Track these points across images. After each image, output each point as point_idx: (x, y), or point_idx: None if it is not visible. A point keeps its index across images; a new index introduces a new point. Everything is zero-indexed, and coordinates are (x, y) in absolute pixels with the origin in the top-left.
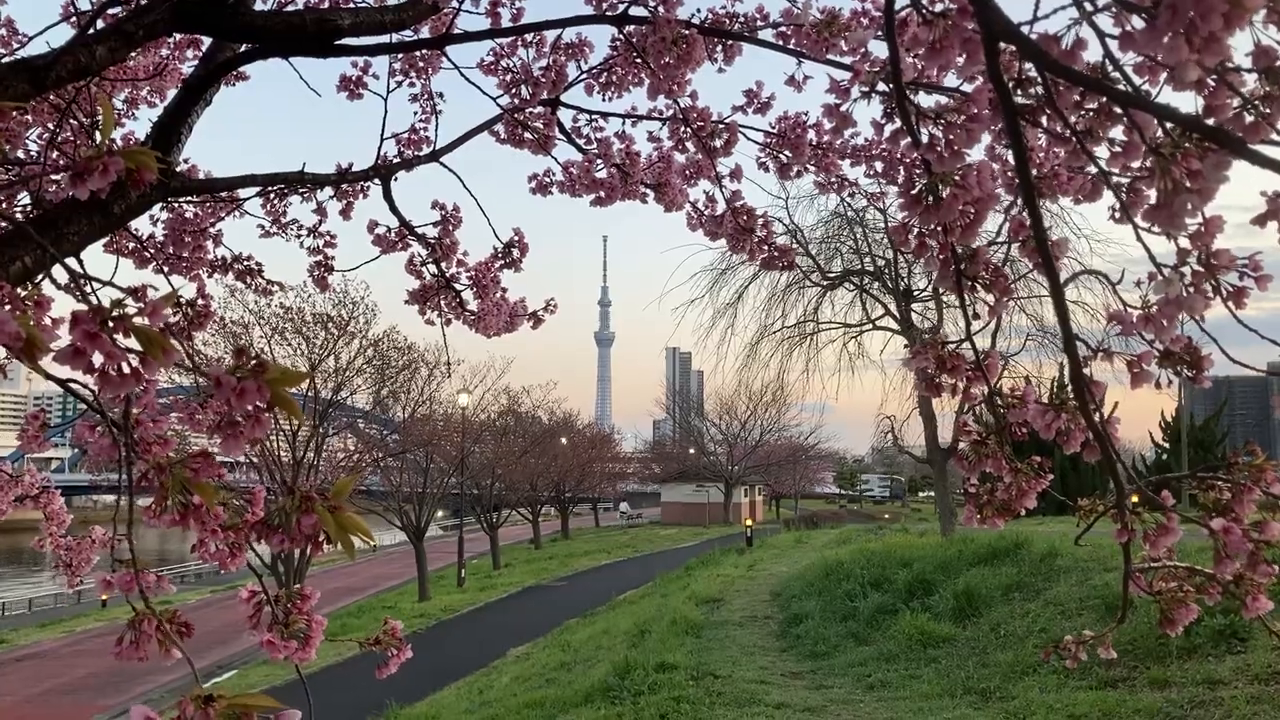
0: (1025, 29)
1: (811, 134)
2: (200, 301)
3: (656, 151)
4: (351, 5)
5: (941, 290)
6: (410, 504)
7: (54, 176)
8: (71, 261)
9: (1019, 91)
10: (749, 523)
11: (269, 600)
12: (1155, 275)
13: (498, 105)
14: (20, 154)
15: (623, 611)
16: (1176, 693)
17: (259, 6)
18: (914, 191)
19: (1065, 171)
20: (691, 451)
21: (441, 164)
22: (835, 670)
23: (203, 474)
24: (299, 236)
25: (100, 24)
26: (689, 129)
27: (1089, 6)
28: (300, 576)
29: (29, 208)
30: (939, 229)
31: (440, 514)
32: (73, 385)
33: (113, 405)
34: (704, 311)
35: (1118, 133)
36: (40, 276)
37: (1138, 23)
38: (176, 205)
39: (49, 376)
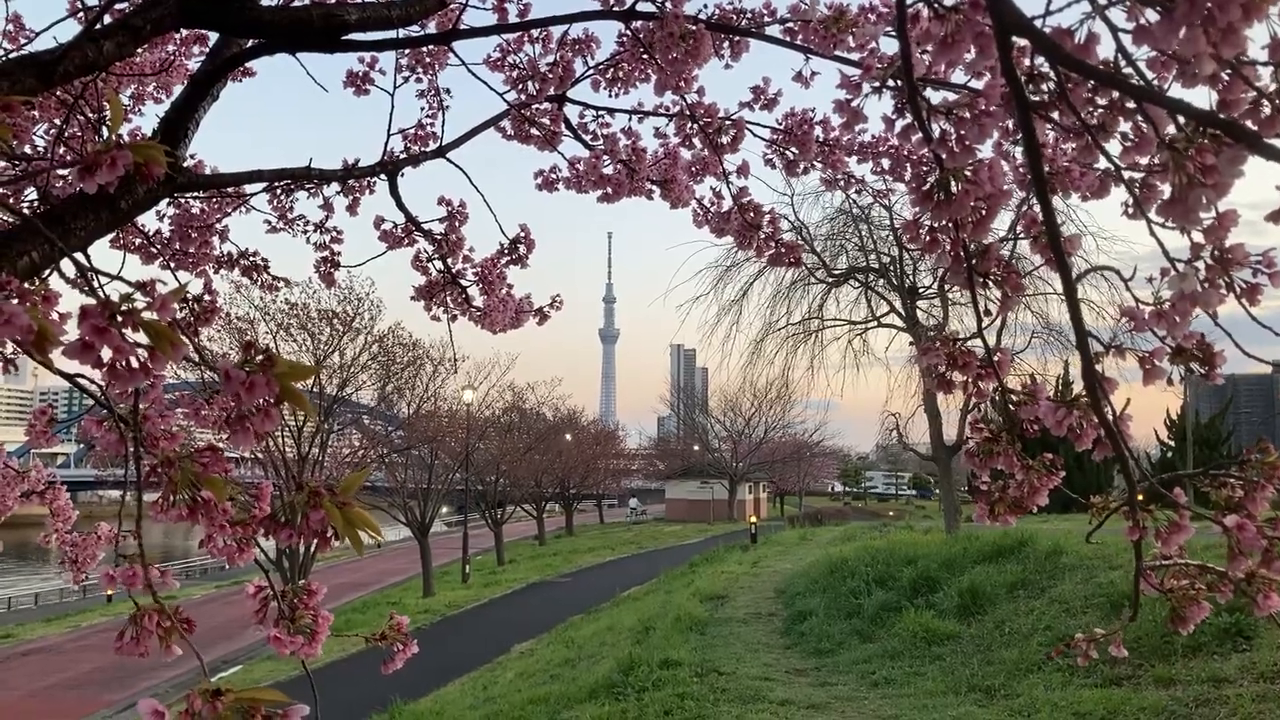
0: (1038, 23)
1: (818, 130)
2: (207, 297)
3: (663, 148)
4: (358, 0)
5: (947, 287)
6: (415, 500)
7: (61, 171)
8: (79, 256)
9: (1031, 87)
10: (753, 519)
11: (275, 595)
12: (1168, 271)
13: (504, 101)
14: (27, 149)
15: (627, 608)
16: (1182, 691)
17: (266, 1)
18: (925, 187)
19: (1077, 167)
20: (696, 448)
21: (448, 160)
22: (839, 667)
23: (211, 468)
24: (305, 232)
25: (107, 19)
26: (696, 125)
27: (1102, 0)
28: (305, 572)
29: (36, 203)
30: (950, 225)
31: (445, 510)
32: (80, 380)
33: (120, 400)
34: (709, 308)
35: (1131, 128)
36: (48, 271)
37: (1152, 16)
38: (183, 201)
39: (57, 371)
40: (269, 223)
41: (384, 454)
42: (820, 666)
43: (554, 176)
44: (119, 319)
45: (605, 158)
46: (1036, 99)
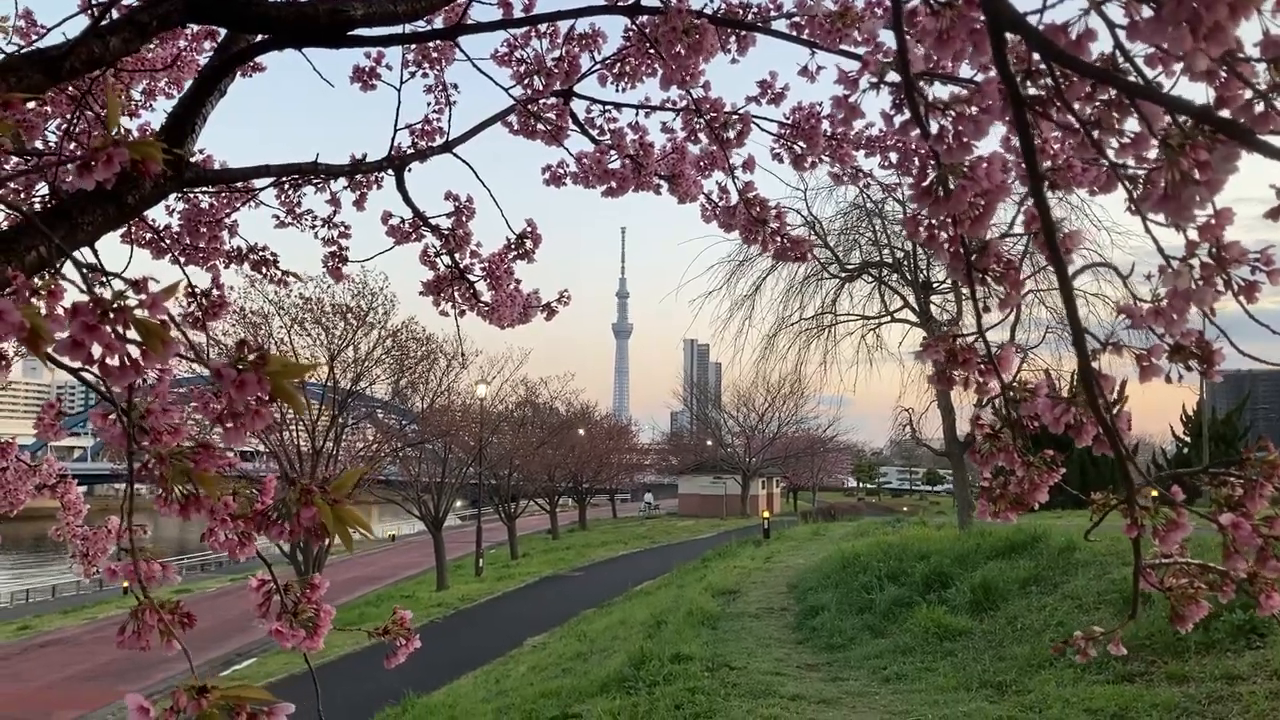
0: (1035, 18)
1: (826, 125)
2: (215, 292)
3: (670, 142)
4: None
5: (960, 282)
6: (429, 494)
7: (69, 167)
8: (86, 252)
9: (1029, 83)
10: (766, 514)
11: (278, 589)
12: (1165, 268)
13: (510, 96)
14: (39, 145)
15: (639, 602)
16: (1194, 688)
17: None
18: (925, 183)
19: (1079, 163)
20: (709, 443)
21: (455, 155)
22: (851, 662)
23: (204, 464)
24: (313, 227)
25: (115, 15)
26: (702, 120)
27: None
28: (319, 565)
29: (47, 198)
30: (949, 221)
31: (458, 504)
32: (85, 374)
33: (126, 393)
34: (721, 303)
35: (1132, 124)
36: (61, 264)
37: (1147, 12)
38: (192, 196)
39: (62, 365)
40: (277, 218)
41: (398, 448)
42: (832, 662)
43: (561, 171)
44: (110, 316)
45: (612, 152)
46: (1035, 95)
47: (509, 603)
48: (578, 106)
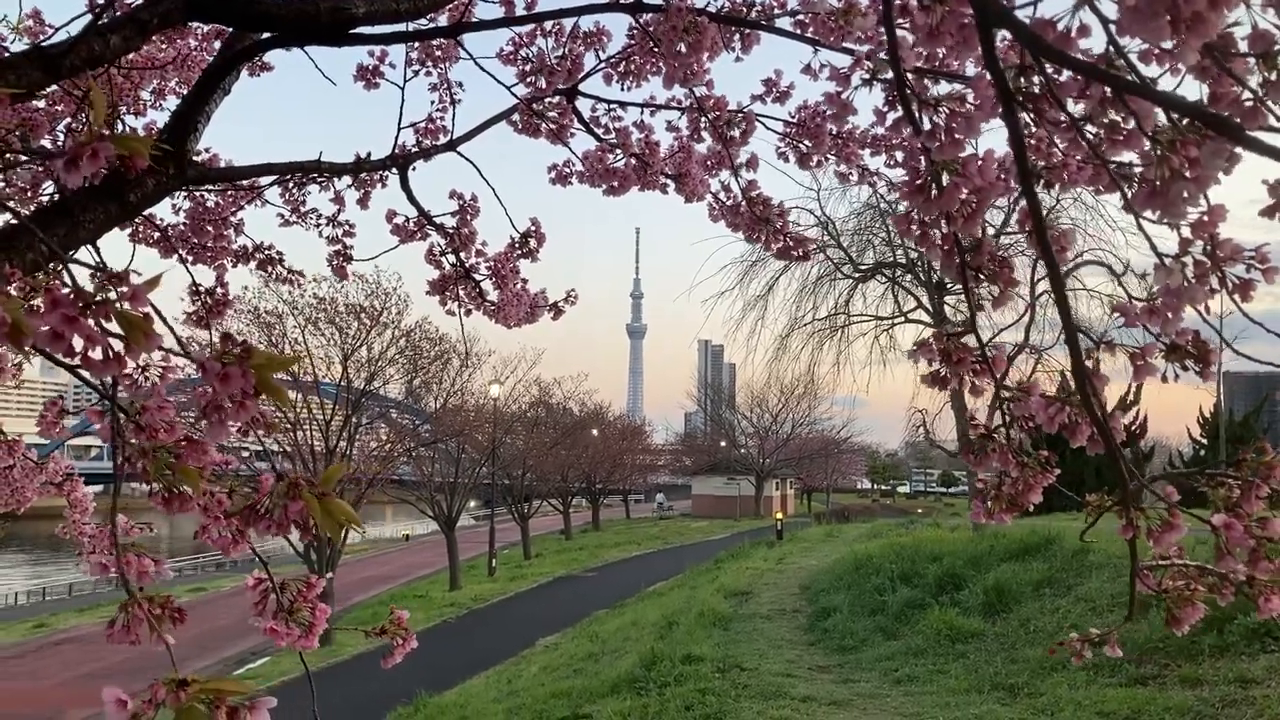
0: (1032, 11)
1: (830, 124)
2: (220, 290)
3: (677, 141)
4: None
5: (954, 280)
6: (442, 494)
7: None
8: (87, 252)
9: (1023, 79)
10: (779, 516)
11: (274, 588)
12: (1159, 265)
13: (513, 95)
14: (46, 143)
15: (651, 603)
16: (1208, 691)
17: None
18: (919, 181)
19: (1074, 161)
20: (723, 444)
21: (459, 154)
22: (862, 664)
23: (189, 459)
24: (318, 226)
25: (117, 14)
26: (706, 119)
27: None
28: (333, 565)
29: (55, 196)
30: (941, 218)
31: (472, 504)
32: (80, 370)
33: (128, 390)
34: (734, 303)
35: (1128, 122)
36: (61, 262)
37: (1130, 3)
38: (198, 194)
39: (54, 360)
40: (282, 216)
41: (411, 447)
42: (843, 663)
43: (568, 171)
44: (91, 308)
45: (618, 150)
46: (1029, 91)
47: (522, 603)
48: (583, 106)
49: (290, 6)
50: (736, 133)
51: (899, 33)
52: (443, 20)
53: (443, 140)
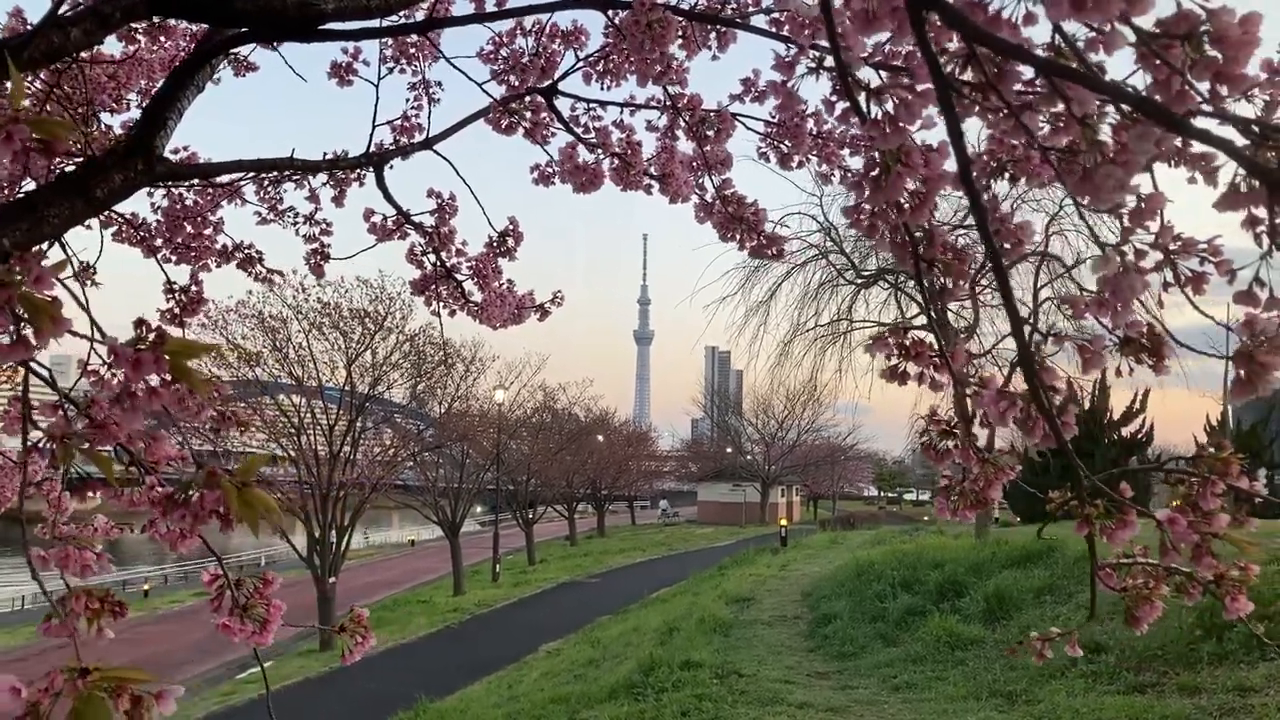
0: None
1: (811, 123)
2: (194, 288)
3: (660, 142)
4: None
5: (978, 289)
6: (446, 499)
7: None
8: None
9: (969, 68)
10: (784, 523)
11: (229, 584)
12: (1103, 256)
13: (487, 94)
14: None
15: (654, 609)
16: (1206, 699)
17: None
18: (872, 172)
19: (1035, 153)
20: (729, 451)
21: (435, 152)
22: (862, 671)
23: (96, 443)
24: (295, 224)
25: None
26: (682, 118)
27: None
28: (336, 569)
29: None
30: (891, 209)
31: (477, 509)
32: (33, 365)
33: (97, 386)
34: (736, 309)
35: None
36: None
37: None
38: (175, 192)
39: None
40: (259, 214)
41: (415, 452)
42: (842, 670)
43: (550, 170)
44: None
45: (585, 148)
46: (974, 80)
47: (525, 609)
48: (563, 105)
49: (258, 2)
50: (712, 132)
51: (834, 19)
52: (418, 17)
53: (419, 138)
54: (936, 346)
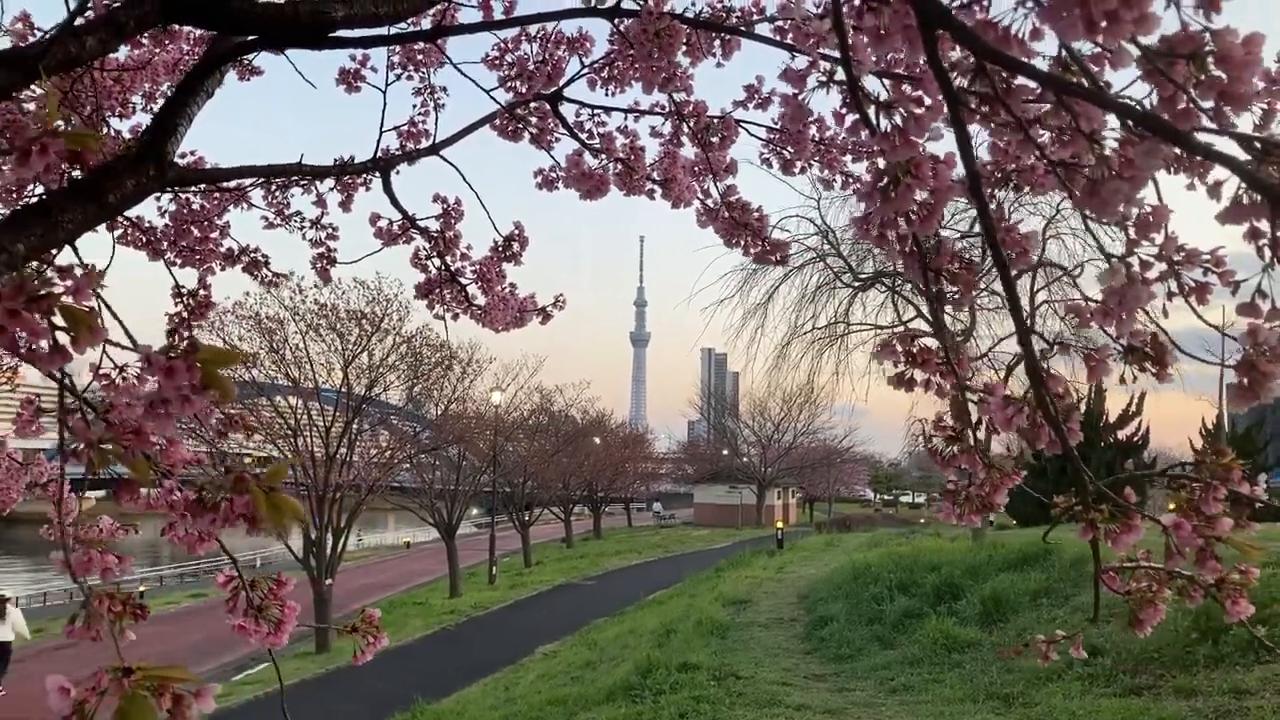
0: (984, 15)
1: (813, 130)
2: (202, 292)
3: (662, 147)
4: None
5: (975, 292)
6: (443, 501)
7: (9, 159)
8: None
9: (978, 81)
10: (780, 525)
11: (244, 586)
12: (1110, 267)
13: (493, 99)
14: None
15: (651, 611)
16: (1202, 702)
17: None
18: (880, 183)
19: (1040, 164)
20: (725, 453)
21: (441, 157)
22: (858, 673)
23: (134, 448)
24: (301, 229)
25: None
26: (687, 124)
27: None
28: (332, 571)
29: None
30: (900, 220)
31: (473, 511)
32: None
33: (106, 390)
34: (734, 312)
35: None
36: (42, 263)
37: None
38: (183, 196)
39: (21, 357)
40: (266, 219)
41: (412, 454)
42: (839, 672)
43: (554, 175)
44: (35, 302)
45: (592, 154)
46: (983, 93)
47: (522, 611)
48: (568, 111)
49: (268, 9)
50: (717, 139)
51: (848, 34)
52: (426, 24)
53: (425, 144)
54: (943, 353)
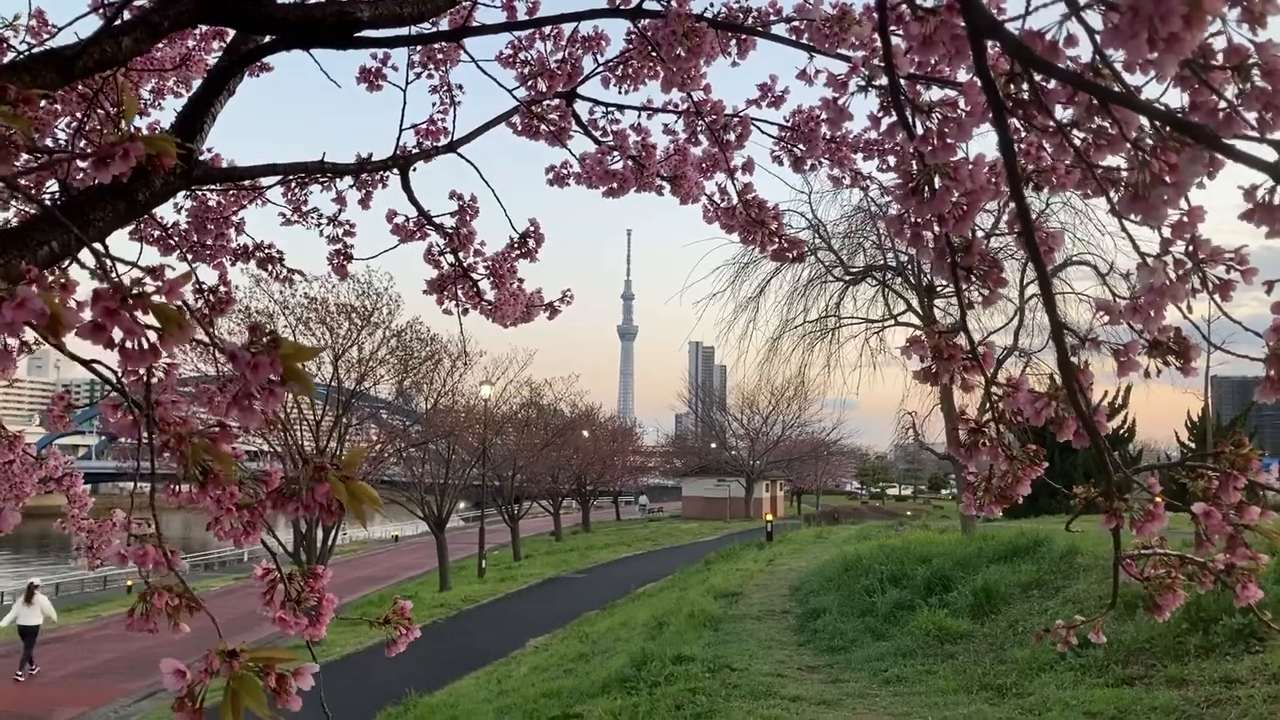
0: (1021, 23)
1: (825, 128)
2: (222, 288)
3: (672, 144)
4: None
5: (945, 280)
6: (432, 495)
7: (80, 164)
8: (97, 246)
9: (1013, 85)
10: (769, 518)
11: (282, 578)
12: (1141, 265)
13: (514, 97)
14: (49, 142)
15: (641, 604)
16: (1193, 691)
17: None
18: (911, 184)
19: (1063, 165)
20: (713, 446)
21: (459, 155)
22: (852, 665)
23: (220, 443)
24: (319, 225)
25: (127, 15)
26: (703, 122)
27: (1082, 1)
28: (323, 564)
29: (57, 194)
30: (933, 220)
31: (462, 505)
32: (96, 365)
33: (134, 386)
34: (725, 305)
35: (1104, 127)
36: (68, 261)
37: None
38: (200, 193)
39: (73, 356)
40: (284, 216)
41: (401, 448)
42: (833, 664)
43: (565, 172)
44: (130, 302)
45: (614, 154)
46: (1019, 98)
47: (511, 604)
48: (581, 108)
49: (297, 9)
50: (732, 136)
51: (893, 40)
52: (444, 24)
53: (443, 141)
54: (969, 350)
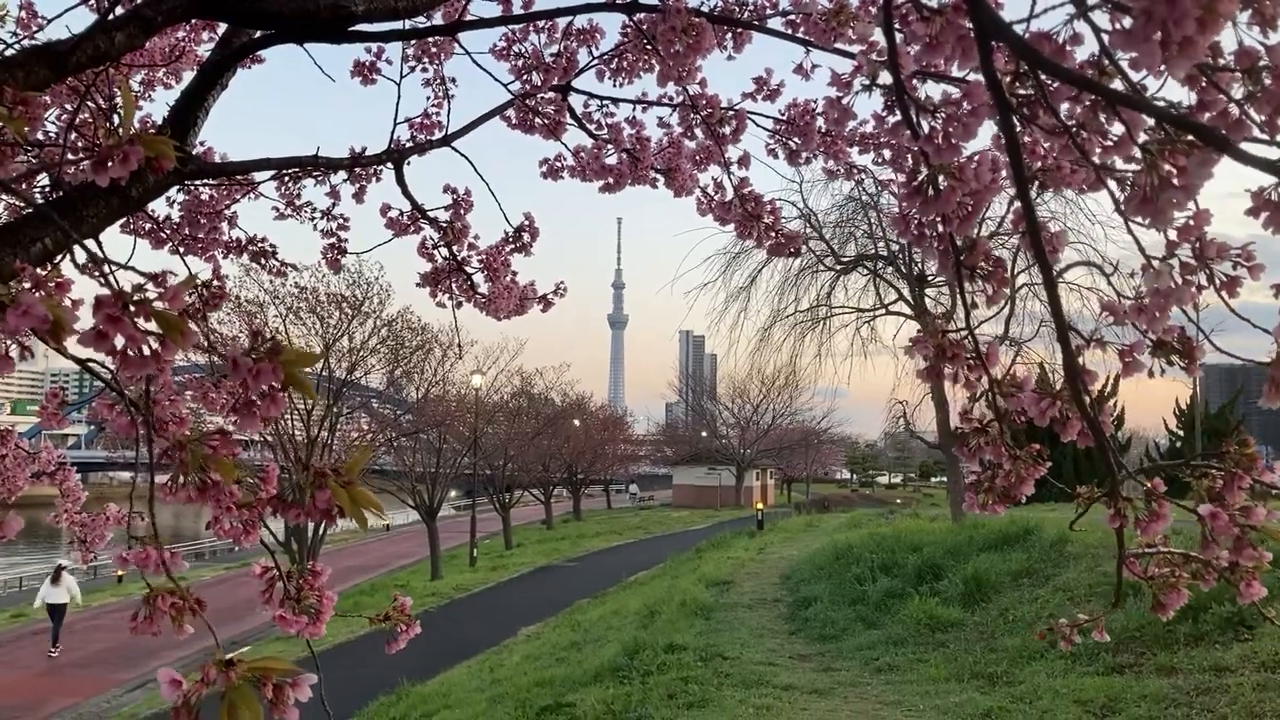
0: (1026, 24)
1: (820, 121)
2: (215, 283)
3: (666, 137)
4: None
5: (950, 279)
6: (423, 484)
7: (71, 158)
8: (92, 246)
9: (1019, 85)
10: (760, 506)
11: (281, 576)
12: (1147, 267)
13: (508, 91)
14: (40, 136)
15: (633, 592)
16: (1183, 679)
17: None
18: (915, 183)
19: (1068, 164)
20: (704, 434)
21: (453, 148)
22: (843, 653)
23: (221, 451)
24: (312, 219)
25: (120, 11)
26: (698, 115)
27: (1091, 0)
28: (314, 554)
29: (48, 189)
30: (938, 219)
31: (453, 494)
32: (91, 365)
33: (130, 384)
34: (717, 295)
35: (1119, 127)
36: (60, 257)
37: (1128, 22)
38: (193, 188)
39: (70, 356)
40: (277, 209)
41: (392, 437)
42: (824, 652)
43: (559, 165)
44: (131, 308)
45: (609, 147)
46: (1024, 98)
47: (503, 592)
48: (575, 101)
49: (292, 4)
50: (728, 130)
51: (896, 38)
52: (439, 18)
53: (438, 135)
54: (973, 347)
